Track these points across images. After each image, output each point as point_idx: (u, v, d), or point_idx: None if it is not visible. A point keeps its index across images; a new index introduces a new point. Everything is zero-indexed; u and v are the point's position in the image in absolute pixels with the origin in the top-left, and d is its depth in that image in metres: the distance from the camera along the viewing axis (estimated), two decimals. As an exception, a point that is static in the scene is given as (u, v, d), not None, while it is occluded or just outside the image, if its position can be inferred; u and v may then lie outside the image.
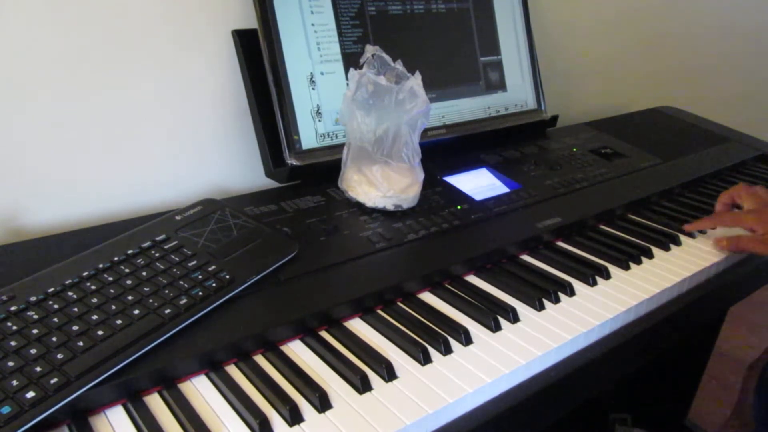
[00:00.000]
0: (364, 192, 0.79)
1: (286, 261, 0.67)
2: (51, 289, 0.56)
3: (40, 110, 0.73)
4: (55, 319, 0.53)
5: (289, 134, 0.83)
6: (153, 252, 0.63)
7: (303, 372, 0.56)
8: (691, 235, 0.87)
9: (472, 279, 0.73)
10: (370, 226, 0.76)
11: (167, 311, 0.56)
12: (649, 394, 1.41)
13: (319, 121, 0.86)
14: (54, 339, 0.51)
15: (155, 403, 0.52)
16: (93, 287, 0.57)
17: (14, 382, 0.47)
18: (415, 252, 0.74)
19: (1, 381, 0.47)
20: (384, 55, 0.76)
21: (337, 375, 0.56)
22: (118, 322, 0.54)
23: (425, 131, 0.83)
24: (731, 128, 1.30)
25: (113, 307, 0.55)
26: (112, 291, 0.57)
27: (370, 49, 0.76)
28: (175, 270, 0.61)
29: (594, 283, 0.73)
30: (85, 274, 0.59)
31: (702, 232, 0.88)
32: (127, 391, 0.52)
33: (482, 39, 1.04)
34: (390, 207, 0.79)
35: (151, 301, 0.57)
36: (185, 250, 0.64)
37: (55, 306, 0.54)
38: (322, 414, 0.52)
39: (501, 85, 1.07)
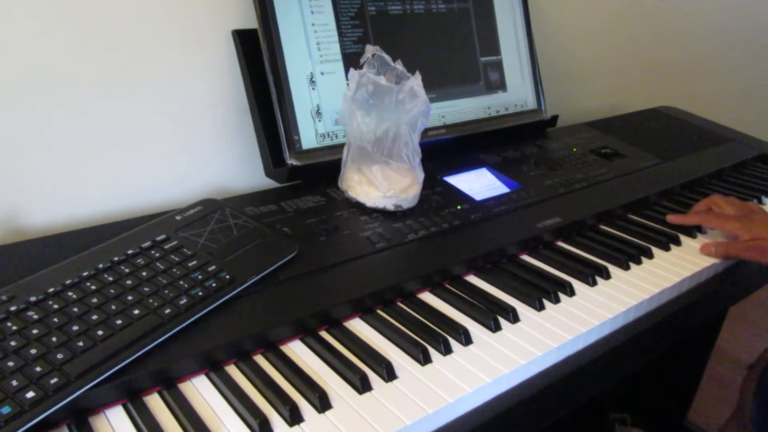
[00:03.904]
0: (364, 192, 0.79)
1: (286, 261, 0.67)
2: (51, 289, 0.56)
3: (40, 110, 0.73)
4: (55, 319, 0.53)
5: (289, 134, 0.83)
6: (153, 252, 0.63)
7: (303, 372, 0.56)
8: (691, 235, 0.87)
9: (472, 279, 0.73)
10: (370, 226, 0.76)
11: (167, 311, 0.56)
12: (649, 394, 1.41)
13: (319, 121, 0.86)
14: (54, 339, 0.51)
15: (155, 403, 0.52)
16: (93, 287, 0.57)
17: (14, 382, 0.47)
18: (415, 252, 0.74)
19: (1, 381, 0.47)
20: (384, 55, 0.76)
21: (337, 375, 0.56)
22: (118, 322, 0.54)
23: (425, 131, 0.83)
24: (731, 128, 1.30)
25: (113, 307, 0.55)
26: (112, 291, 0.57)
27: (370, 49, 0.76)
28: (175, 270, 0.61)
29: (594, 283, 0.73)
30: (85, 274, 0.59)
31: (703, 232, 0.88)
32: (127, 391, 0.52)
33: (482, 39, 1.04)
34: (390, 207, 0.79)
35: (150, 301, 0.57)
36: (185, 250, 0.64)
37: (55, 306, 0.54)
38: (322, 414, 0.52)
39: (501, 85, 1.07)
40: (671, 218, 0.89)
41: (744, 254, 0.80)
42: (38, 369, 0.48)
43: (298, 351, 0.59)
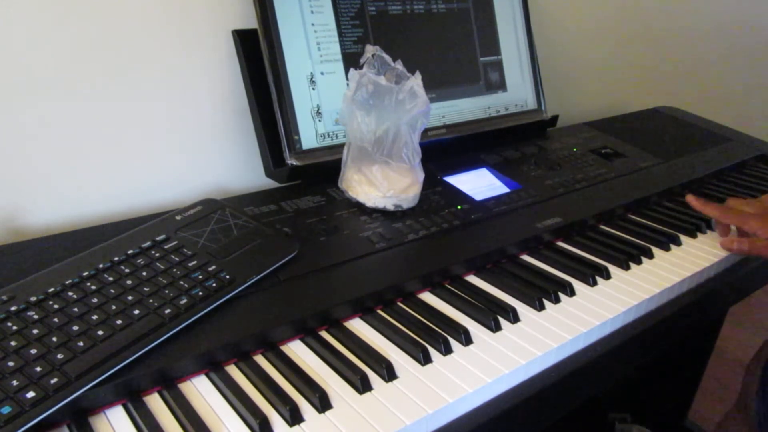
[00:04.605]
0: (364, 192, 0.79)
1: (286, 261, 0.67)
2: (51, 289, 0.56)
3: (40, 111, 0.73)
4: (55, 319, 0.53)
5: (289, 134, 0.83)
6: (153, 252, 0.63)
7: (303, 372, 0.56)
8: (692, 234, 0.87)
9: (472, 279, 0.73)
10: (370, 226, 0.76)
11: (167, 311, 0.56)
12: (649, 394, 1.41)
13: (319, 121, 0.86)
14: (54, 339, 0.51)
15: (155, 403, 0.52)
16: (93, 287, 0.57)
17: (14, 382, 0.47)
18: (415, 252, 0.74)
19: (1, 381, 0.47)
20: (384, 55, 0.76)
21: (337, 375, 0.56)
22: (118, 322, 0.54)
23: (425, 131, 0.83)
24: (731, 128, 1.30)
25: (113, 307, 0.55)
26: (112, 291, 0.57)
27: (370, 49, 0.76)
28: (175, 270, 0.61)
29: (594, 283, 0.73)
30: (85, 274, 0.59)
31: (702, 231, 0.88)
32: (127, 391, 0.52)
33: (482, 39, 1.04)
34: (390, 207, 0.79)
35: (151, 301, 0.57)
36: (185, 250, 0.64)
37: (55, 306, 0.54)
38: (322, 414, 0.52)
39: (501, 85, 1.07)
40: (691, 199, 0.88)
41: (766, 252, 0.80)
42: (38, 369, 0.48)
43: (298, 351, 0.59)
